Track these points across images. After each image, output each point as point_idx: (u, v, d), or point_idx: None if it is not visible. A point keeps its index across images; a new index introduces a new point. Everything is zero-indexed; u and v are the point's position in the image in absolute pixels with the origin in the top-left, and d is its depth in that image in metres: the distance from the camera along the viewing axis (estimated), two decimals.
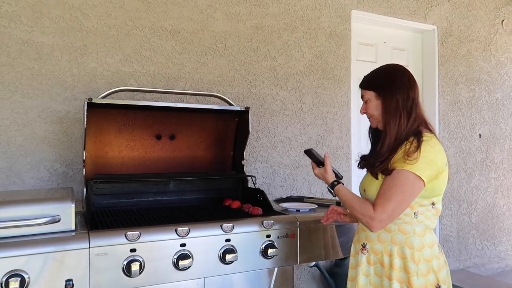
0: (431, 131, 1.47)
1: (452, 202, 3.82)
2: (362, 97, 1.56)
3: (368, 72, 1.57)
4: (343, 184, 1.56)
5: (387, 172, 1.40)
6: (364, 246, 1.52)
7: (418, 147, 1.35)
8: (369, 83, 1.53)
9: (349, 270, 1.60)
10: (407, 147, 1.37)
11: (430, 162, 1.36)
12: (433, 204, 1.43)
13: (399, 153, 1.39)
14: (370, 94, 1.51)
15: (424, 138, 1.38)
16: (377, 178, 1.45)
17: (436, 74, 3.74)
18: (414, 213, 1.42)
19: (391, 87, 1.46)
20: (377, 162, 1.44)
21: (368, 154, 1.60)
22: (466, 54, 3.89)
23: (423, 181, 1.35)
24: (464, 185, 3.88)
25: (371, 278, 1.49)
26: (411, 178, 1.35)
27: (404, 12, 3.56)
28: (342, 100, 3.26)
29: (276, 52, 3.01)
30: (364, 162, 1.55)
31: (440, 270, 1.42)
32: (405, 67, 1.54)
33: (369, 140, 1.65)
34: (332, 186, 1.56)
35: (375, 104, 1.49)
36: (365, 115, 1.58)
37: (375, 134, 1.60)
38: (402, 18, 3.55)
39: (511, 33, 4.16)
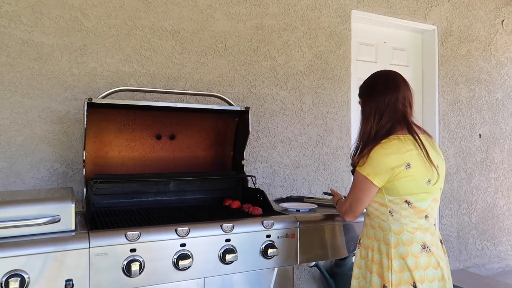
0: (410, 131, 1.51)
1: (452, 202, 3.82)
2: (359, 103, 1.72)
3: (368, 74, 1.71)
4: None
5: (352, 171, 1.60)
6: (359, 241, 1.68)
7: (370, 150, 1.49)
8: (359, 90, 1.69)
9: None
10: (364, 152, 1.51)
11: (377, 164, 1.47)
12: (408, 203, 1.48)
13: (357, 158, 1.55)
14: (361, 101, 1.67)
15: (382, 141, 1.49)
16: None
17: (436, 74, 3.74)
18: (389, 212, 1.51)
19: (369, 94, 1.60)
20: (351, 164, 1.62)
21: None
22: (466, 54, 3.89)
23: (371, 181, 1.48)
24: (464, 185, 3.88)
25: (363, 271, 1.61)
26: (359, 178, 1.52)
27: (404, 12, 3.56)
28: (342, 100, 3.26)
29: (276, 52, 3.01)
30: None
31: (418, 269, 1.45)
32: (393, 71, 1.64)
33: None
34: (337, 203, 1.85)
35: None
36: None
37: None
38: (402, 18, 3.55)
39: (511, 33, 4.16)
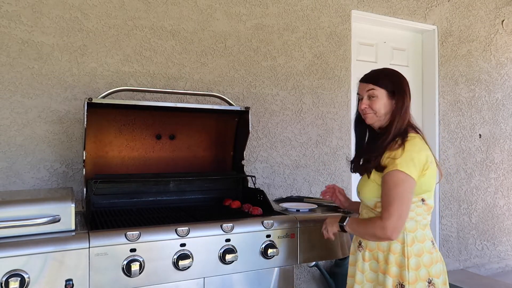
0: (417, 132, 1.55)
1: (452, 202, 3.82)
2: (366, 91, 1.55)
3: (371, 70, 1.61)
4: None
5: (380, 168, 1.45)
6: (360, 244, 1.60)
7: (402, 144, 1.43)
8: (382, 81, 1.53)
9: (349, 267, 1.67)
10: (395, 146, 1.45)
11: (413, 159, 1.41)
12: (423, 200, 1.49)
13: (387, 154, 1.45)
14: (381, 92, 1.52)
15: (408, 137, 1.47)
16: (369, 177, 1.51)
17: (436, 74, 3.74)
18: None
19: (404, 91, 1.53)
20: (372, 157, 1.49)
21: (357, 152, 1.67)
22: (466, 54, 3.89)
23: (412, 177, 1.39)
24: (464, 185, 3.88)
25: (367, 274, 1.56)
26: (401, 177, 1.39)
27: (404, 12, 3.56)
28: (342, 100, 3.26)
29: (276, 52, 3.01)
30: (355, 163, 1.62)
31: (432, 265, 1.47)
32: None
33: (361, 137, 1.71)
34: (342, 227, 1.59)
35: (384, 103, 1.52)
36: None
37: (363, 131, 1.67)
38: (402, 18, 3.55)
39: (511, 33, 4.16)
